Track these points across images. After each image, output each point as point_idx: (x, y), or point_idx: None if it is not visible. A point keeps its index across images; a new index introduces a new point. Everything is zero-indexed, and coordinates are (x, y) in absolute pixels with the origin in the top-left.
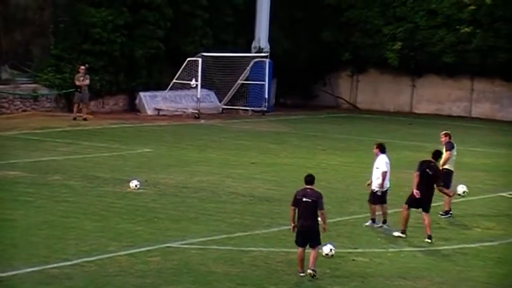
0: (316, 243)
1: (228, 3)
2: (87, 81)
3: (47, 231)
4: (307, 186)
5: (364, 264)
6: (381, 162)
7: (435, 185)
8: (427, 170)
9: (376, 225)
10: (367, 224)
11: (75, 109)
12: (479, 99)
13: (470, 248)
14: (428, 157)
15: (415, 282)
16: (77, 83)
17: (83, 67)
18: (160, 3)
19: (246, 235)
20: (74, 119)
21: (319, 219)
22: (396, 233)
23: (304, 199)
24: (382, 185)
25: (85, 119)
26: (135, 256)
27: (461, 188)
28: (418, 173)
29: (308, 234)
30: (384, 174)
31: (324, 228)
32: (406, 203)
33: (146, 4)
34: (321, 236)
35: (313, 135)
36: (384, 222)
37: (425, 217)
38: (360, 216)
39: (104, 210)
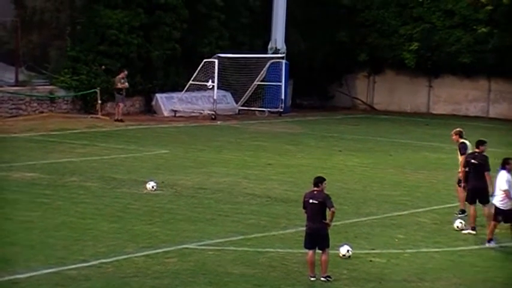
0: (325, 245)
1: (244, 5)
2: (127, 84)
3: (64, 232)
4: (315, 188)
5: (381, 265)
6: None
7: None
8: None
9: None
10: None
11: (117, 110)
12: (496, 100)
13: (488, 248)
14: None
15: (432, 283)
16: (119, 85)
17: (125, 72)
18: (176, 4)
19: (262, 236)
20: (121, 120)
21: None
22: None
23: (310, 201)
24: None
25: (121, 120)
26: (152, 257)
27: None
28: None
29: (316, 237)
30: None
31: (328, 225)
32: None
33: (162, 5)
34: (339, 237)
35: (330, 136)
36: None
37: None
38: (377, 217)
39: (120, 212)
